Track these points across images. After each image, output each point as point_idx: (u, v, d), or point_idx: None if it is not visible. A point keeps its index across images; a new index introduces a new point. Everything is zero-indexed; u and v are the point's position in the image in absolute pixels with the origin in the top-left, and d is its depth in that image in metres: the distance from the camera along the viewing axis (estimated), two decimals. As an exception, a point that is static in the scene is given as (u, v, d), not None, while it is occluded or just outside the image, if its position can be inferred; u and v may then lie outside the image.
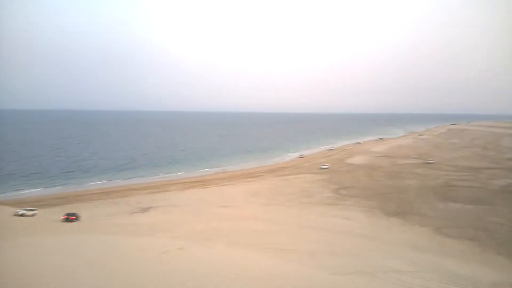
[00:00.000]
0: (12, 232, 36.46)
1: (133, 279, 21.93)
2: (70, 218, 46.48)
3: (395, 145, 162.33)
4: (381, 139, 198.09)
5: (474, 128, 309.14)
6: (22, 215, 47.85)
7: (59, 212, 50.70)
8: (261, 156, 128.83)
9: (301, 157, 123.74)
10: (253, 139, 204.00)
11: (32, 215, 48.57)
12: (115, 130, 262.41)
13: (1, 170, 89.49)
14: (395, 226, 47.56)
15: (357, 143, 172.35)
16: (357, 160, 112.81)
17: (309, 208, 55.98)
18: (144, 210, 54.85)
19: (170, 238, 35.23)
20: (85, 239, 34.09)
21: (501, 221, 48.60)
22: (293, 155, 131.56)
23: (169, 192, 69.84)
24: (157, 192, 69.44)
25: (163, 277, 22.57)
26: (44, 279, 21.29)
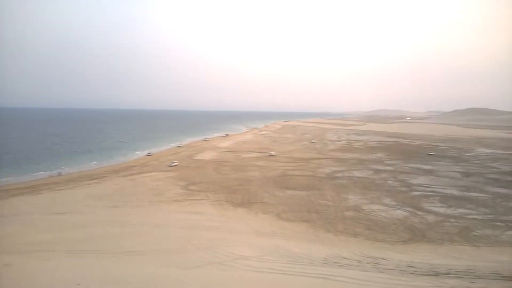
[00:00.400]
0: None
1: None
2: None
3: (239, 140, 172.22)
4: (226, 135, 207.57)
5: (304, 124, 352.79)
6: None
7: None
8: (105, 156, 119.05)
9: (149, 155, 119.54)
10: (97, 137, 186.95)
11: None
12: None
13: None
14: (242, 215, 50.51)
15: (205, 140, 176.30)
16: (205, 156, 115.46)
17: (158, 207, 54.54)
18: (-47, 226, 44.49)
19: (-8, 255, 29.45)
20: None
21: (328, 204, 56.62)
22: (140, 153, 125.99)
23: (-12, 202, 58.33)
24: (-29, 204, 57.26)
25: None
26: None
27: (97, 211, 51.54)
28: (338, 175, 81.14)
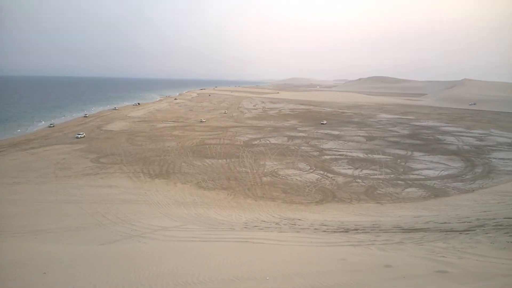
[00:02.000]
0: None
1: None
2: None
3: (152, 109, 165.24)
4: (138, 104, 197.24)
5: (220, 92, 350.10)
6: None
7: None
8: (2, 127, 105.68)
9: (51, 126, 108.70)
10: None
11: None
12: None
13: None
14: (160, 186, 49.20)
15: (114, 109, 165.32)
16: (116, 126, 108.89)
17: (67, 182, 50.41)
18: None
19: None
20: None
21: (246, 170, 57.89)
22: (40, 125, 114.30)
23: None
24: None
25: None
26: None
27: (-8, 190, 45.95)
28: (255, 142, 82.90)
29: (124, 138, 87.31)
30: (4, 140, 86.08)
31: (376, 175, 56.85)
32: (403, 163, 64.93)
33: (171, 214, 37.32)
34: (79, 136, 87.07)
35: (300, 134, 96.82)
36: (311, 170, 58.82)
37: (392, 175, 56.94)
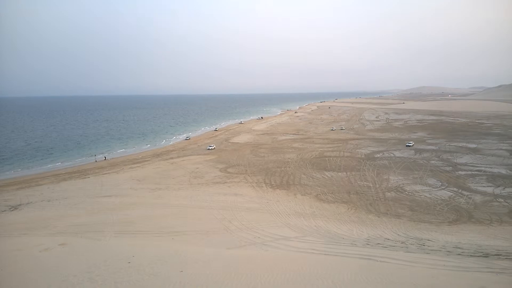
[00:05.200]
0: None
1: (7, 283, 19.01)
2: None
3: (274, 123, 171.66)
4: (261, 118, 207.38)
5: (339, 104, 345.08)
6: None
7: None
8: (146, 140, 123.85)
9: (187, 139, 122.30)
10: (136, 123, 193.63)
11: None
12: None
13: None
14: (281, 197, 50.71)
15: (240, 123, 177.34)
16: (242, 139, 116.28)
17: (199, 189, 55.83)
18: (14, 208, 47.73)
19: (48, 235, 31.55)
20: None
21: (368, 184, 55.65)
22: (179, 138, 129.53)
23: (41, 186, 61.90)
24: (28, 187, 61.00)
25: (43, 276, 20.05)
26: None
27: (141, 193, 53.53)
28: (378, 155, 79.30)
29: (249, 150, 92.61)
30: (150, 151, 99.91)
31: (524, 194, 48.96)
32: (562, 182, 54.51)
33: (291, 224, 38.22)
34: (210, 148, 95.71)
35: (430, 147, 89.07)
36: (443, 187, 53.54)
37: (545, 196, 48.29)
